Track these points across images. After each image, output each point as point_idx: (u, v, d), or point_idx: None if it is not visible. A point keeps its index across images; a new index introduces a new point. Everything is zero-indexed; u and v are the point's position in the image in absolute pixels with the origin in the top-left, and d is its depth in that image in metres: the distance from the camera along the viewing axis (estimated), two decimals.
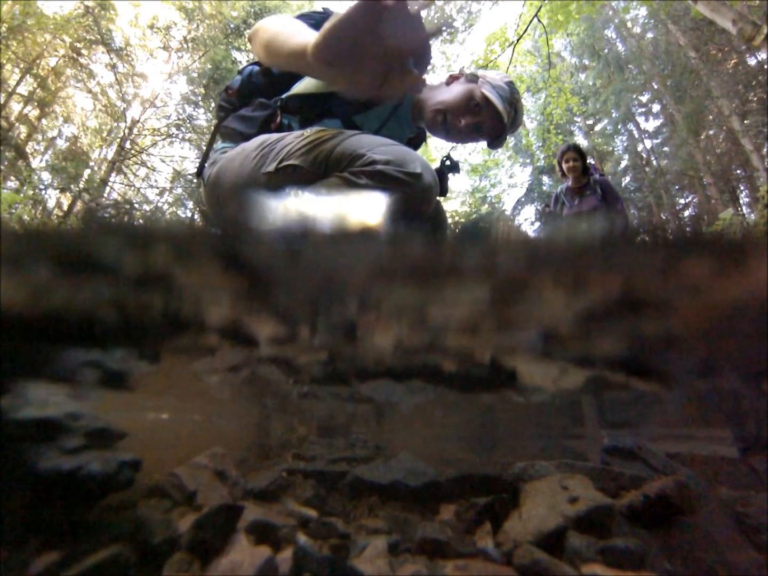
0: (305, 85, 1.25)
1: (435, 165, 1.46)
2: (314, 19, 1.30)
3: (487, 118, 1.29)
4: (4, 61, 10.11)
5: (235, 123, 1.27)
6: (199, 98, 12.29)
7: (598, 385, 0.67)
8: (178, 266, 0.43)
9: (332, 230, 0.44)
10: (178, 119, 12.40)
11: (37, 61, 11.02)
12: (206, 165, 1.26)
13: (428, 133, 1.49)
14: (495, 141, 1.39)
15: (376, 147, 1.00)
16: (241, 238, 0.41)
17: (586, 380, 0.66)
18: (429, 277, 0.41)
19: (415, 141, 1.55)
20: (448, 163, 1.43)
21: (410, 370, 0.65)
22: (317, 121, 1.25)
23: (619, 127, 16.37)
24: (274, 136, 1.15)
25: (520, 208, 17.75)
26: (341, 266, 0.41)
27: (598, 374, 0.64)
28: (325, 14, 1.31)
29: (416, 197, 0.98)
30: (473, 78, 1.32)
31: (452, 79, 1.36)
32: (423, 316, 0.48)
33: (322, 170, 1.03)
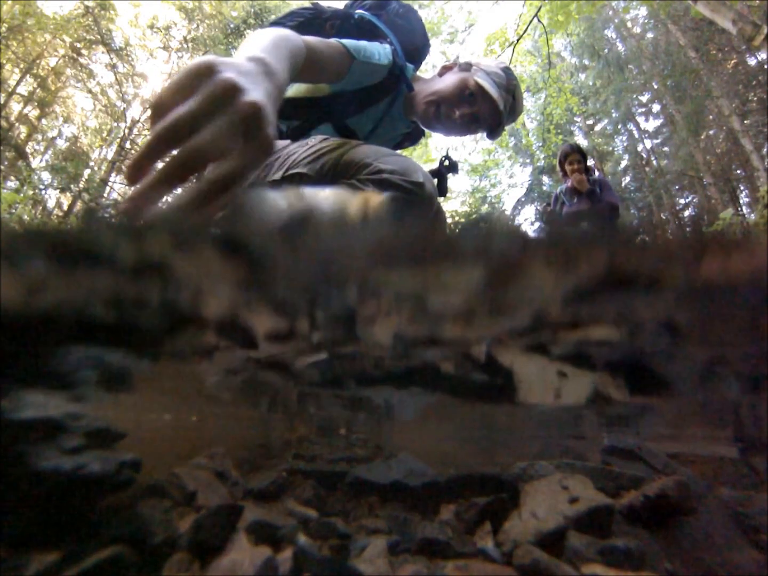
0: (296, 89, 1.25)
1: (434, 165, 1.46)
2: (303, 17, 1.29)
3: (483, 108, 1.23)
4: (4, 61, 10.11)
5: None
6: None
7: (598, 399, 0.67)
8: (175, 259, 0.43)
9: (332, 217, 0.44)
10: None
11: (37, 61, 11.02)
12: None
13: (429, 130, 1.47)
14: (494, 131, 1.33)
15: (382, 157, 1.02)
16: (241, 232, 0.41)
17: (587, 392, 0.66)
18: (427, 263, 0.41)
19: (412, 136, 1.52)
20: (447, 163, 1.42)
21: (409, 373, 0.65)
22: (311, 127, 1.25)
23: (619, 127, 16.37)
24: (279, 144, 1.16)
25: (520, 208, 17.76)
26: (340, 254, 0.42)
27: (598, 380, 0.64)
28: (315, 10, 1.29)
29: (418, 204, 1.00)
30: (466, 66, 1.26)
31: (445, 70, 1.31)
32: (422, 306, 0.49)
33: (329, 178, 1.04)
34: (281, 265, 0.43)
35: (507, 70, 1.26)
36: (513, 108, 1.28)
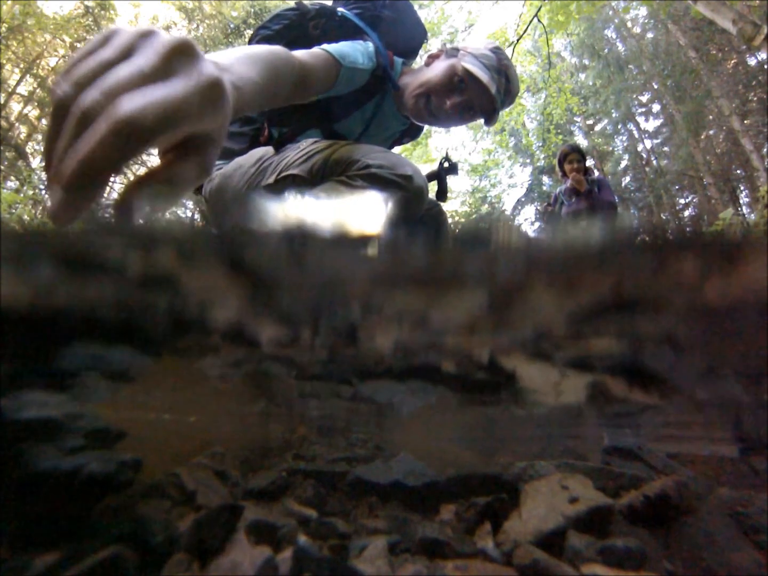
0: None
1: (434, 165, 1.45)
2: (288, 19, 1.27)
3: (474, 94, 1.16)
4: (4, 61, 10.11)
5: (225, 140, 1.28)
6: None
7: (598, 396, 0.68)
8: (178, 268, 0.43)
9: (331, 233, 0.44)
10: None
11: (37, 61, 11.03)
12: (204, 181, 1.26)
13: (423, 124, 1.43)
14: (490, 117, 1.25)
15: (370, 153, 1.02)
16: (242, 241, 0.41)
17: (587, 389, 0.67)
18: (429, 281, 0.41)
19: (411, 131, 1.49)
20: (446, 165, 1.41)
21: (410, 373, 0.65)
22: (300, 133, 1.25)
23: (619, 127, 16.37)
24: (272, 151, 1.17)
25: (520, 208, 17.77)
26: (341, 269, 0.41)
27: (598, 380, 0.65)
28: (299, 11, 1.27)
29: (408, 198, 1.00)
30: (453, 52, 1.19)
31: (432, 59, 1.25)
32: (424, 319, 0.49)
33: (320, 177, 1.05)
34: (281, 280, 0.43)
35: (497, 50, 1.19)
36: (507, 90, 1.20)
